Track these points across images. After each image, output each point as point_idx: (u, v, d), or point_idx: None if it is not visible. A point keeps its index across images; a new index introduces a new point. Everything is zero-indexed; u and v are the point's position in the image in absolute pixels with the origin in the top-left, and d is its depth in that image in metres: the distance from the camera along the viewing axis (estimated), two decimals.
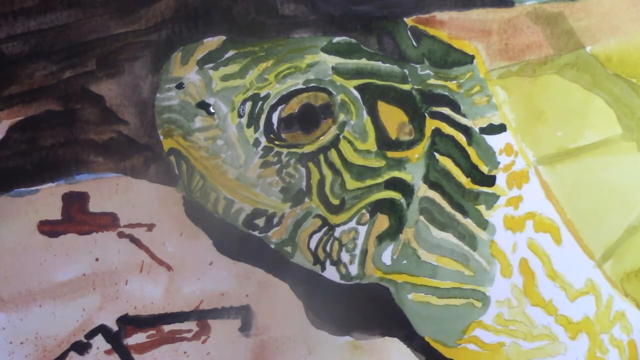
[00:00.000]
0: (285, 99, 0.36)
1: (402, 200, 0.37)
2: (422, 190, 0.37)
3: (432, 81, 0.37)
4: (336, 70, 0.37)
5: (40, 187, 0.35)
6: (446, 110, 0.38)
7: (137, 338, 0.35)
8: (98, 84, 0.35)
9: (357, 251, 0.37)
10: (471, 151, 0.38)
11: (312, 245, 0.37)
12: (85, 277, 0.35)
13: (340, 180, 0.37)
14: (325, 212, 0.37)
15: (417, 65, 0.37)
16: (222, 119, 0.36)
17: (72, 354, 0.35)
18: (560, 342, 0.38)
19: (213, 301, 0.36)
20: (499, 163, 0.38)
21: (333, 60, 0.37)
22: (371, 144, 0.37)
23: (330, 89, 0.36)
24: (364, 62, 0.37)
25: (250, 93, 0.36)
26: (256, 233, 0.36)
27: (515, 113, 0.38)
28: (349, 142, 0.37)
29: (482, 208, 0.38)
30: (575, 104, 0.39)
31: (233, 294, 0.36)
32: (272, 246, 0.36)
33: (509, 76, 0.38)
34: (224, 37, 0.36)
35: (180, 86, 0.36)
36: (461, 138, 0.38)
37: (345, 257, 0.37)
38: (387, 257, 0.37)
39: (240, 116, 0.36)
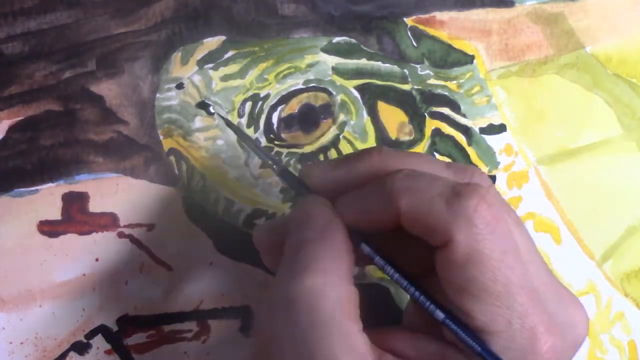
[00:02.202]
0: (285, 99, 0.36)
1: None
2: None
3: (432, 81, 0.37)
4: (336, 70, 0.37)
5: (40, 187, 0.35)
6: (446, 110, 0.38)
7: (137, 338, 0.35)
8: (98, 84, 0.35)
9: None
10: (471, 151, 0.38)
11: None
12: (85, 277, 0.35)
13: None
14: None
15: (417, 65, 0.37)
16: (222, 119, 0.36)
17: (72, 354, 0.35)
18: None
19: (213, 301, 0.36)
20: (499, 163, 0.38)
21: (333, 60, 0.37)
22: (371, 144, 0.37)
23: (330, 89, 0.36)
24: (364, 62, 0.37)
25: (250, 93, 0.36)
26: None
27: (515, 113, 0.38)
28: (349, 142, 0.37)
29: None
30: (575, 104, 0.39)
31: (233, 294, 0.36)
32: None
33: (509, 76, 0.38)
34: (224, 37, 0.36)
35: (180, 86, 0.36)
36: (461, 138, 0.38)
37: None
38: None
39: (240, 116, 0.36)
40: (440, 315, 0.26)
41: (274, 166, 0.30)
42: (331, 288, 0.25)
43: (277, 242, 0.28)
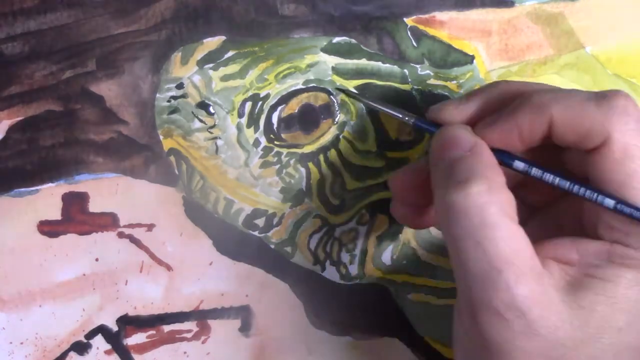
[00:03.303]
0: (285, 99, 0.36)
1: None
2: None
3: (432, 81, 0.37)
4: (336, 70, 0.37)
5: (40, 187, 0.35)
6: None
7: (137, 338, 0.35)
8: (98, 84, 0.35)
9: (357, 251, 0.37)
10: None
11: (312, 246, 0.37)
12: (85, 277, 0.35)
13: (340, 180, 0.37)
14: (325, 212, 0.37)
15: (417, 66, 0.37)
16: (222, 119, 0.36)
17: (72, 354, 0.35)
18: None
19: (213, 301, 0.36)
20: None
21: (333, 60, 0.37)
22: (371, 144, 0.37)
23: (330, 89, 0.36)
24: (364, 62, 0.37)
25: (250, 93, 0.36)
26: (256, 233, 0.36)
27: None
28: (349, 142, 0.37)
29: None
30: None
31: (233, 294, 0.36)
32: (272, 246, 0.36)
33: (509, 76, 0.38)
34: (224, 37, 0.36)
35: (180, 86, 0.36)
36: None
37: (345, 257, 0.37)
38: (387, 257, 0.37)
39: (240, 116, 0.36)
40: (610, 202, 0.27)
41: (406, 119, 0.32)
42: (495, 193, 0.26)
43: (414, 182, 0.30)
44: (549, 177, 0.28)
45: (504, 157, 0.29)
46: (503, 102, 0.29)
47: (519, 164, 0.29)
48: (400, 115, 0.32)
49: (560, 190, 0.28)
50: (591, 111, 0.27)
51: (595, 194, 0.27)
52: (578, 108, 0.27)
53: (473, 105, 0.30)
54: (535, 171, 0.29)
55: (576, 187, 0.28)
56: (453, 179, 0.27)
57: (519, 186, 0.31)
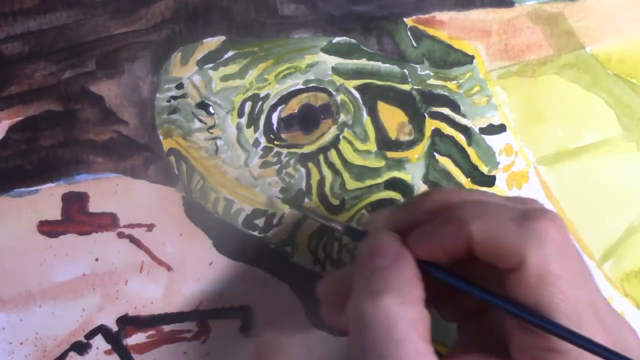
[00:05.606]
0: (285, 99, 0.36)
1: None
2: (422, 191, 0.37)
3: (431, 81, 0.37)
4: (336, 70, 0.37)
5: (40, 187, 0.35)
6: (446, 111, 0.38)
7: (137, 338, 0.35)
8: (98, 84, 0.35)
9: (357, 251, 0.37)
10: (471, 151, 0.38)
11: (312, 246, 0.37)
12: (85, 277, 0.35)
13: (340, 180, 0.37)
14: (325, 212, 0.37)
15: (417, 66, 0.37)
16: (221, 119, 0.36)
17: (72, 354, 0.35)
18: None
19: (213, 301, 0.36)
20: (498, 163, 0.38)
21: (333, 60, 0.37)
22: (371, 144, 0.37)
23: (330, 89, 0.36)
24: (364, 62, 0.37)
25: (250, 93, 0.36)
26: (256, 233, 0.36)
27: (515, 113, 0.38)
28: (349, 142, 0.37)
29: None
30: (575, 104, 0.39)
31: (233, 294, 0.36)
32: (272, 246, 0.36)
33: (509, 76, 0.38)
34: (223, 37, 0.36)
35: (180, 86, 0.36)
36: (461, 138, 0.38)
37: (345, 257, 0.37)
38: None
39: (240, 116, 0.36)
40: (529, 317, 0.26)
41: (338, 227, 0.32)
42: (407, 309, 0.25)
43: (342, 293, 0.29)
44: (467, 287, 0.27)
45: (429, 268, 0.28)
46: (434, 212, 0.28)
47: (438, 273, 0.28)
48: (334, 225, 0.32)
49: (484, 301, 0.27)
50: (510, 232, 0.25)
51: (516, 309, 0.26)
52: (497, 227, 0.26)
53: (403, 215, 0.29)
54: (454, 281, 0.27)
55: (497, 300, 0.26)
56: (368, 287, 0.26)
57: (456, 291, 0.29)
